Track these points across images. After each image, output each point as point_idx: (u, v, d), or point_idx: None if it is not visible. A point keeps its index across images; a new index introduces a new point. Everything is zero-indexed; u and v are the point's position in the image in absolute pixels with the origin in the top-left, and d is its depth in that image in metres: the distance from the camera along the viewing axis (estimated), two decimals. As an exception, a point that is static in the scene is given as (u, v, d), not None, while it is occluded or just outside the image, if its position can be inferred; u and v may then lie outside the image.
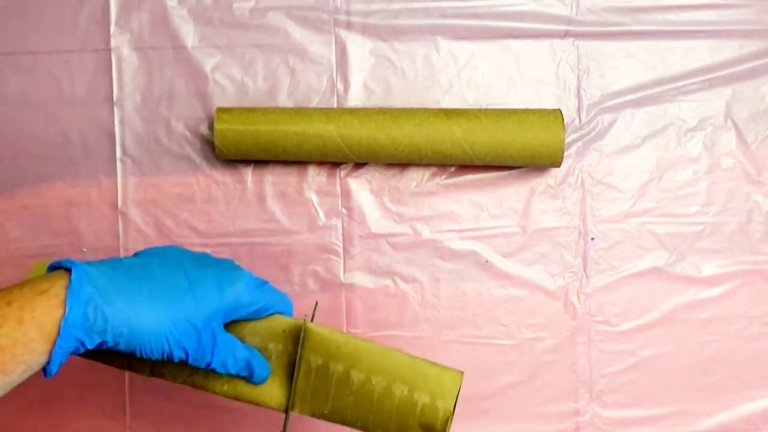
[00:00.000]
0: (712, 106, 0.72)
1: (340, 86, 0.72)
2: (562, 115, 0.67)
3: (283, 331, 0.54)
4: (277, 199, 0.72)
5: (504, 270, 0.72)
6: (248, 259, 0.71)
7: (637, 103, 0.72)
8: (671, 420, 0.72)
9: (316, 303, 0.60)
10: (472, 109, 0.69)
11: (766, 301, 0.72)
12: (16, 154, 0.71)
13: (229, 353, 0.50)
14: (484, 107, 0.71)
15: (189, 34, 0.71)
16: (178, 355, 0.48)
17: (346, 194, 0.72)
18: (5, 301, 0.43)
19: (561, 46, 0.72)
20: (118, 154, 0.71)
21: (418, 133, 0.67)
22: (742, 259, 0.72)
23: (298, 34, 0.71)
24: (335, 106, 0.72)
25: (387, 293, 0.72)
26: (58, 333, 0.43)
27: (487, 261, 0.72)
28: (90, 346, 0.45)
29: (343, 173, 0.72)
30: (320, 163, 0.72)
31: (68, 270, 0.45)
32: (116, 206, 0.71)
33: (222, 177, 0.72)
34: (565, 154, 0.71)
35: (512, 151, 0.67)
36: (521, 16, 0.72)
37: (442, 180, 0.72)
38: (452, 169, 0.72)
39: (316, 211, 0.72)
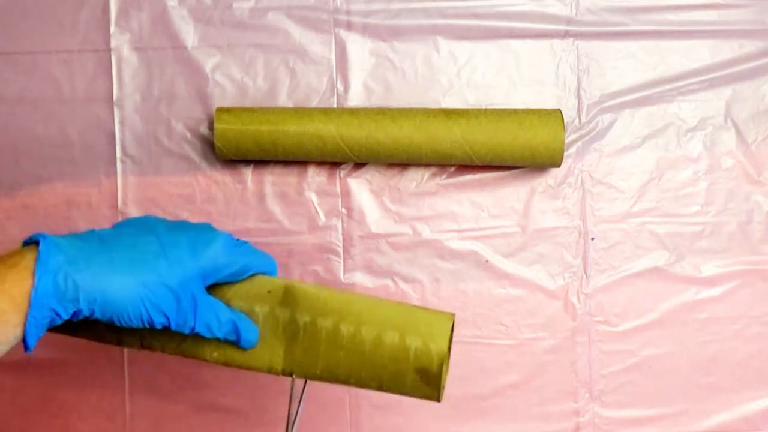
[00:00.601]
0: (712, 106, 0.72)
1: (340, 86, 0.72)
2: (562, 115, 0.67)
3: (269, 292, 0.53)
4: (277, 199, 0.72)
5: (504, 270, 0.72)
6: (248, 259, 0.71)
7: (637, 103, 0.72)
8: (671, 420, 0.72)
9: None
10: (472, 109, 0.68)
11: (766, 301, 0.72)
12: (16, 154, 0.71)
13: (212, 316, 0.50)
14: (484, 107, 0.71)
15: (189, 34, 0.71)
16: (159, 320, 0.47)
17: (346, 194, 0.72)
18: None
19: (561, 46, 0.72)
20: (118, 154, 0.71)
21: (418, 133, 0.67)
22: (742, 259, 0.72)
23: (298, 34, 0.71)
24: (335, 106, 0.72)
25: (387, 293, 0.72)
26: (30, 304, 0.43)
27: (487, 261, 0.72)
28: (65, 316, 0.45)
29: (343, 173, 0.72)
30: (320, 163, 0.72)
31: (39, 243, 0.45)
32: (116, 206, 0.71)
33: (222, 177, 0.72)
34: (565, 154, 0.71)
35: (512, 151, 0.67)
36: (521, 16, 0.72)
37: (442, 180, 0.72)
38: (452, 169, 0.72)
39: (316, 211, 0.72)
